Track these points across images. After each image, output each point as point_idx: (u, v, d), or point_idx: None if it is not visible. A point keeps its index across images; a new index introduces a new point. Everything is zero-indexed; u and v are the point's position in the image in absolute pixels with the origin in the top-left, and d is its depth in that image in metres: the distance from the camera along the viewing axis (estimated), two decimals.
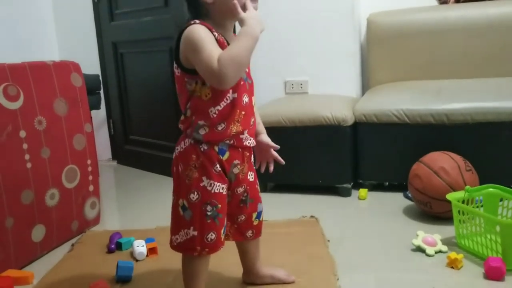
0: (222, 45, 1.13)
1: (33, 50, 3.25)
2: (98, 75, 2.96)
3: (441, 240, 1.74)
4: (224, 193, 1.24)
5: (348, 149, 2.42)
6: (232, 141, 1.22)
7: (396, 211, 2.16)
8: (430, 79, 2.77)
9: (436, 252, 1.69)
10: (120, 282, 1.60)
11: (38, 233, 1.84)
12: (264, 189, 2.59)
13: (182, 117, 1.23)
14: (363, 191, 2.39)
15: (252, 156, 1.33)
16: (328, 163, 2.43)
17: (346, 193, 2.42)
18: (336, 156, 2.42)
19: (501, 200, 1.79)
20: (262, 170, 1.44)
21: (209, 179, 1.20)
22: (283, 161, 1.42)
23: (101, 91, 3.04)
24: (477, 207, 1.77)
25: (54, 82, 1.92)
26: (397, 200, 2.27)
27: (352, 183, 2.45)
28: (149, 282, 1.62)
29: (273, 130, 2.45)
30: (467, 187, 1.77)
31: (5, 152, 1.68)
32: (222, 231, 1.25)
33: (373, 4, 3.01)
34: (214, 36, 1.13)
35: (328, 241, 1.87)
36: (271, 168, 1.43)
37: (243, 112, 1.21)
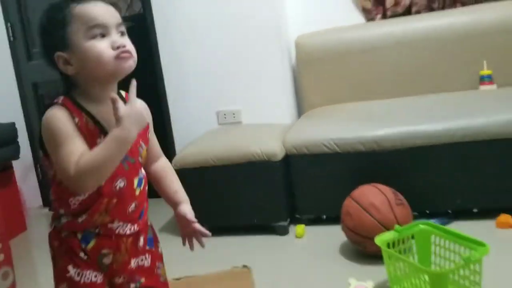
0: (84, 129, 0.97)
1: None
2: (13, 123, 2.75)
3: (374, 287, 1.64)
4: (99, 281, 1.05)
5: (281, 184, 2.30)
6: (97, 230, 1.04)
7: (333, 249, 2.04)
8: (363, 100, 2.70)
9: None
10: None
11: None
12: None
13: (52, 197, 1.09)
14: (300, 228, 2.27)
15: (141, 239, 1.13)
16: (262, 201, 2.30)
17: (282, 231, 2.29)
18: (270, 193, 2.29)
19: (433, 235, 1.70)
20: (191, 248, 1.20)
21: (76, 267, 1.03)
22: (208, 233, 1.17)
23: (19, 138, 2.83)
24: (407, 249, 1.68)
25: None
26: (334, 235, 2.15)
27: (288, 220, 2.33)
28: None
29: (201, 170, 2.34)
30: (397, 226, 1.68)
31: None
32: None
33: (301, 26, 2.91)
34: (75, 121, 0.96)
35: None
36: (201, 243, 1.19)
37: (114, 200, 1.03)
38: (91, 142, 0.97)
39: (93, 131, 0.98)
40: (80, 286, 1.03)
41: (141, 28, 2.88)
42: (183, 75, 2.88)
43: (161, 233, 2.44)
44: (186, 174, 2.35)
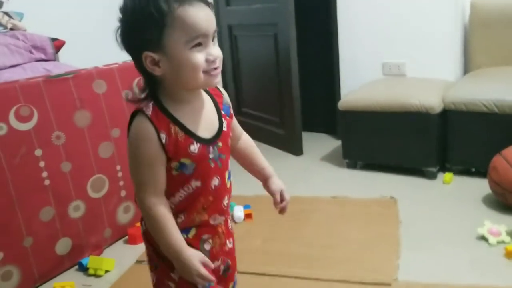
0: (172, 144, 0.95)
1: None
2: None
3: (506, 231, 1.87)
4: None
5: (435, 135, 2.55)
6: (197, 225, 1.05)
7: (476, 198, 2.27)
8: None
9: (498, 242, 1.84)
10: None
11: (62, 246, 1.90)
12: (354, 166, 2.85)
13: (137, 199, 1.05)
14: (448, 175, 2.52)
15: (229, 221, 1.15)
16: (416, 147, 2.59)
17: (431, 176, 2.58)
18: (424, 141, 2.57)
19: None
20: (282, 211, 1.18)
21: None
22: (284, 210, 1.17)
23: None
24: None
25: (74, 95, 1.91)
26: (480, 187, 2.36)
27: (438, 167, 2.59)
28: (242, 243, 2.03)
29: (363, 114, 2.70)
30: None
31: (20, 174, 1.73)
32: None
33: None
34: (162, 140, 0.94)
35: (400, 222, 2.09)
36: (282, 211, 1.17)
37: (210, 199, 1.03)
38: (183, 149, 0.96)
39: (184, 141, 0.96)
40: None
41: None
42: (356, 23, 3.17)
43: None
44: (348, 115, 2.76)
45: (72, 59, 2.50)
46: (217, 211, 1.06)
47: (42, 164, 1.83)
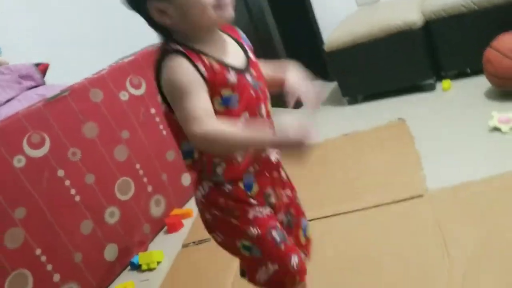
0: (211, 73, 0.93)
1: None
2: None
3: None
4: (272, 212, 1.08)
5: (423, 48, 2.60)
6: (256, 167, 1.04)
7: (478, 95, 2.34)
8: None
9: (511, 129, 1.91)
10: None
11: (110, 252, 1.97)
12: (355, 101, 2.91)
13: (188, 162, 1.04)
14: (446, 83, 2.58)
15: (282, 172, 1.14)
16: (409, 65, 2.64)
17: (430, 88, 2.64)
18: (415, 56, 2.62)
19: None
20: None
21: (254, 208, 1.04)
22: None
23: None
24: None
25: (75, 110, 1.95)
26: (479, 85, 2.42)
27: (434, 77, 2.65)
28: None
29: (349, 49, 2.73)
30: None
31: (50, 197, 1.79)
32: (297, 250, 1.10)
33: None
34: (200, 70, 0.92)
35: (414, 138, 2.16)
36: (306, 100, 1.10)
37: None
38: (220, 81, 0.94)
39: (220, 69, 0.94)
40: (267, 219, 1.04)
41: None
42: None
43: None
44: (336, 55, 2.80)
45: (59, 79, 2.52)
46: None
47: (67, 182, 1.88)
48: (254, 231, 1.02)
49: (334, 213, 1.81)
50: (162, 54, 0.93)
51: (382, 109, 2.69)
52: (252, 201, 1.03)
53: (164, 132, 2.29)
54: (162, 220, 2.23)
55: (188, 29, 0.94)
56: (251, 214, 1.02)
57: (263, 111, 1.02)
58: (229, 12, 0.95)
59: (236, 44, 1.03)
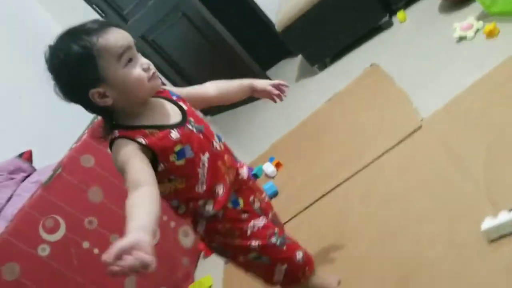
0: (154, 141, 1.02)
1: None
2: None
3: (474, 19, 1.98)
4: (268, 221, 1.23)
5: None
6: (235, 187, 1.20)
7: (433, 14, 2.37)
8: None
9: (475, 33, 1.95)
10: (273, 198, 2.15)
11: None
12: (325, 66, 2.95)
13: (181, 212, 1.15)
14: (400, 14, 2.62)
15: (251, 181, 1.30)
16: (359, 12, 2.70)
17: (388, 25, 2.69)
18: (362, 2, 2.66)
19: None
20: (280, 99, 1.35)
21: (249, 222, 1.17)
22: (282, 92, 1.34)
23: None
24: None
25: (74, 182, 1.96)
26: (431, 3, 2.44)
27: (388, 14, 2.69)
28: (288, 189, 2.15)
29: (302, 19, 2.76)
30: None
31: (86, 271, 1.83)
32: (300, 246, 1.26)
33: None
34: (139, 143, 1.00)
35: (392, 78, 2.20)
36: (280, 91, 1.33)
37: (225, 158, 1.17)
38: (167, 142, 1.03)
39: (162, 134, 1.03)
40: (264, 229, 1.17)
41: None
42: None
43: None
44: (290, 31, 2.84)
45: (46, 159, 2.54)
46: (235, 163, 1.23)
47: (96, 251, 1.90)
48: (256, 243, 1.16)
49: (348, 176, 1.84)
50: (110, 143, 1.04)
51: (352, 62, 2.73)
52: (244, 216, 1.17)
53: None
54: (196, 248, 2.26)
55: (127, 106, 1.04)
56: (249, 231, 1.16)
57: (216, 145, 1.15)
58: (159, 81, 1.07)
59: (169, 103, 1.13)
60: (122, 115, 1.05)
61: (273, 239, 1.18)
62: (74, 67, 0.97)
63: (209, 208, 1.12)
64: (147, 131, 1.02)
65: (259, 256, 1.17)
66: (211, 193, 1.11)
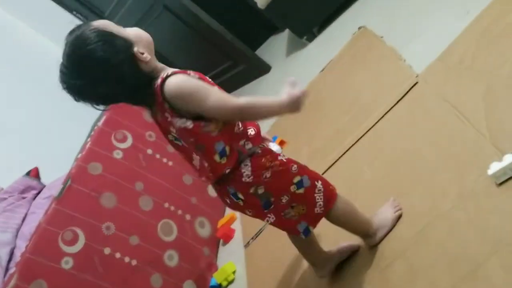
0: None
1: None
2: None
3: None
4: None
5: None
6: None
7: None
8: None
9: None
10: None
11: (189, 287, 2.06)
12: (314, 35, 2.93)
13: (223, 160, 1.21)
14: None
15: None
16: None
17: None
18: None
19: None
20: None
21: (279, 154, 1.28)
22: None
23: None
24: None
25: (86, 192, 1.99)
26: None
27: None
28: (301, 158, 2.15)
29: None
30: None
31: (111, 275, 1.88)
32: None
33: None
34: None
35: (381, 36, 2.18)
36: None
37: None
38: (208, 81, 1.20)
39: (200, 75, 1.21)
40: (288, 159, 1.26)
41: None
42: None
43: None
44: (272, 7, 2.86)
45: (53, 174, 2.57)
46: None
47: (118, 255, 1.94)
48: (294, 166, 1.25)
49: (353, 142, 1.84)
50: (161, 83, 1.14)
51: (341, 27, 2.71)
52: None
53: (170, 163, 2.33)
54: (214, 236, 2.29)
55: (153, 59, 1.21)
56: (284, 159, 1.25)
57: None
58: None
59: None
60: (156, 73, 1.19)
61: (293, 168, 1.25)
62: (109, 42, 1.13)
63: (249, 146, 1.23)
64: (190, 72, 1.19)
65: (300, 179, 1.23)
66: (246, 135, 1.23)
